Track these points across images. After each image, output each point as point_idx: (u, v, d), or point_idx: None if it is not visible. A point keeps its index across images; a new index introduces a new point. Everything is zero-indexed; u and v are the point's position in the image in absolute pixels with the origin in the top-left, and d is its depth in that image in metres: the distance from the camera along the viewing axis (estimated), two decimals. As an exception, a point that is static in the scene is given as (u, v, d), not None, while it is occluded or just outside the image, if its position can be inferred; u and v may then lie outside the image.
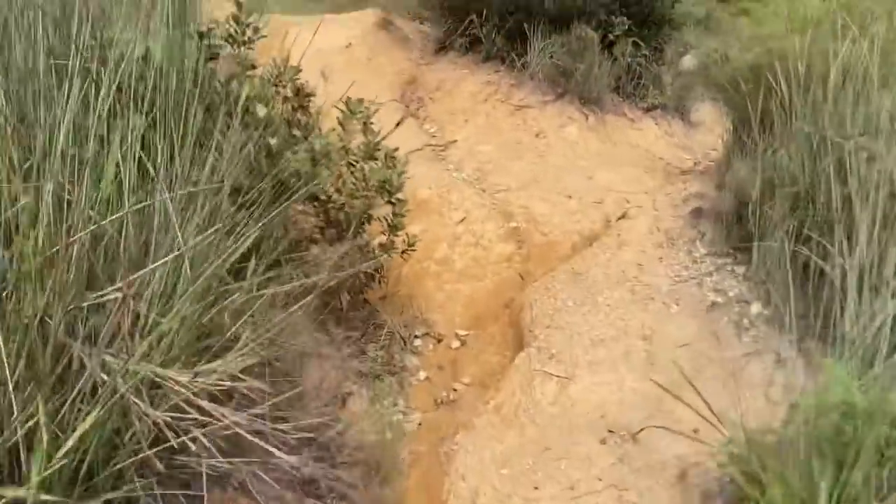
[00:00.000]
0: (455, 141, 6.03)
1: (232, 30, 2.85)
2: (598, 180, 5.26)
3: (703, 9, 10.84)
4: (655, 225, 4.19)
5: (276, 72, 3.10)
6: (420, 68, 7.82)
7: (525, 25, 6.97)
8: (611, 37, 6.98)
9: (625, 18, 6.88)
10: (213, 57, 2.52)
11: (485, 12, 7.31)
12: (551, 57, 6.82)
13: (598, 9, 6.92)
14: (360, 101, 3.48)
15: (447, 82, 7.32)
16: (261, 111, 2.20)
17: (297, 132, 2.98)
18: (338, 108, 3.49)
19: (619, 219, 4.58)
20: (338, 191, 3.40)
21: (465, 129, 6.29)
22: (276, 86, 3.05)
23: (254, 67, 3.00)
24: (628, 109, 6.93)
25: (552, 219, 4.70)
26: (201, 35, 2.43)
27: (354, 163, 3.40)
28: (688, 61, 10.01)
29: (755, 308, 3.05)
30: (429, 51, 8.21)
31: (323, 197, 3.32)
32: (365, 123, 3.44)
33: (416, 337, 3.86)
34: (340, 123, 3.50)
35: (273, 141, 2.43)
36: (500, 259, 4.47)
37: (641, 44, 7.21)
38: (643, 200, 4.70)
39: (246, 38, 2.95)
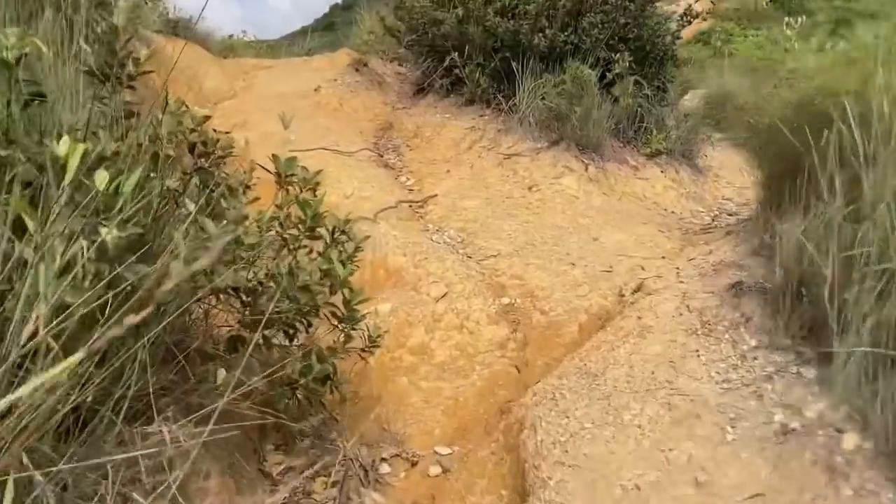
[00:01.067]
0: (435, 196, 5.19)
1: (97, 59, 1.95)
2: (605, 242, 4.42)
3: (685, 51, 10.26)
4: (684, 303, 3.32)
5: (173, 122, 2.19)
6: (397, 113, 7.03)
7: (513, 64, 6.20)
8: (609, 75, 6.21)
9: (626, 54, 6.12)
10: (34, 98, 1.63)
11: (466, 49, 6.54)
12: (543, 99, 6.04)
13: (596, 45, 6.16)
14: (292, 160, 2.61)
15: (426, 128, 6.52)
16: (100, 180, 1.31)
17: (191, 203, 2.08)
18: (261, 166, 2.63)
19: (635, 292, 3.72)
20: (271, 277, 2.51)
21: (447, 182, 5.46)
22: (172, 140, 2.15)
23: (132, 116, 2.11)
24: (631, 156, 6.13)
25: (553, 293, 3.84)
26: (7, 65, 1.51)
27: (291, 243, 2.53)
28: (690, 100, 9.29)
29: (851, 440, 2.18)
30: (406, 94, 7.43)
31: (250, 285, 2.44)
32: (302, 189, 2.57)
33: (382, 460, 2.95)
34: (279, 182, 2.64)
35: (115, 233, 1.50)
36: (490, 346, 3.59)
37: (643, 82, 6.45)
38: (662, 268, 3.85)
39: (123, 74, 2.03)
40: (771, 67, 12.45)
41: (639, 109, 6.39)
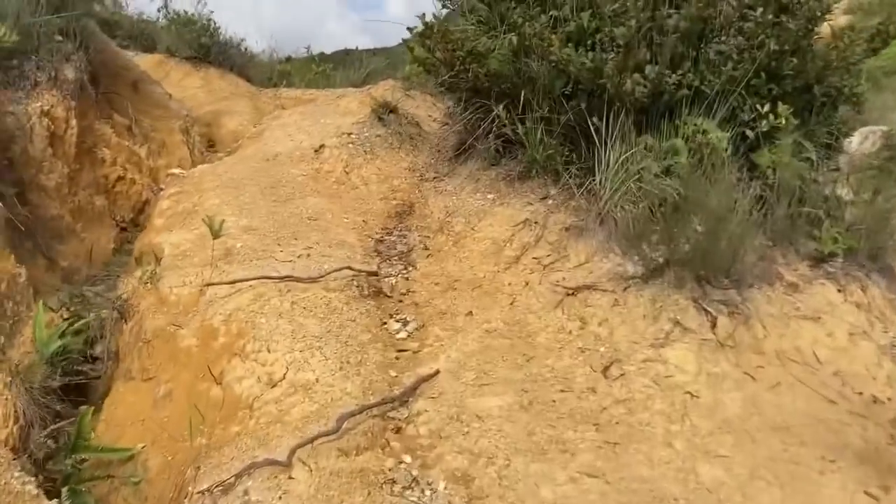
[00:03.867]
0: (434, 373, 2.92)
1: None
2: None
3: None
4: None
5: None
6: (423, 187, 4.78)
7: (592, 119, 3.86)
8: (752, 135, 3.80)
9: (779, 103, 3.68)
10: None
11: (523, 95, 4.23)
12: (639, 179, 3.67)
13: (729, 88, 3.73)
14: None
15: (459, 216, 4.25)
16: None
17: None
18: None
19: None
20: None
21: (464, 338, 3.18)
22: None
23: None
24: (785, 264, 3.62)
25: None
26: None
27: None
28: (860, 144, 6.41)
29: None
30: (444, 153, 5.16)
31: None
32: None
33: None
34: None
35: None
36: None
37: (807, 144, 3.99)
38: None
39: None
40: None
41: (799, 186, 3.89)
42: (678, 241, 3.20)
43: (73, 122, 4.80)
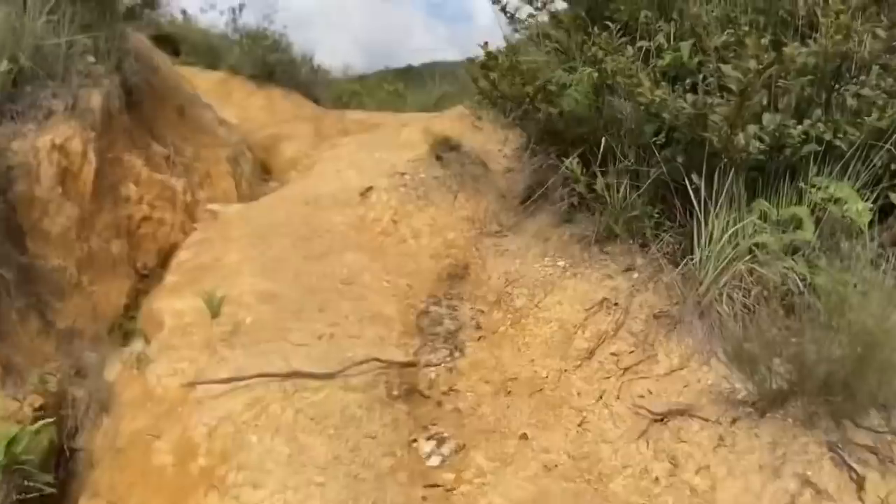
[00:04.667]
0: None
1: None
2: None
3: None
4: None
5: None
6: (482, 243, 4.04)
7: (692, 176, 3.06)
8: (900, 205, 2.96)
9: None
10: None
11: (604, 143, 3.46)
12: (753, 259, 2.86)
13: (871, 139, 2.88)
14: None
15: (522, 286, 3.50)
16: None
17: None
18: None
19: None
20: None
21: (513, 474, 2.44)
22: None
23: None
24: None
25: None
26: None
27: None
28: None
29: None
30: (510, 201, 4.41)
31: None
32: None
33: None
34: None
35: None
36: None
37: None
38: None
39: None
40: None
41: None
42: (807, 356, 2.35)
43: (92, 156, 4.25)
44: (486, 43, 3.84)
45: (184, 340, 3.07)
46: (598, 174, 3.48)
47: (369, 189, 4.59)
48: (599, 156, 3.51)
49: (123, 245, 4.42)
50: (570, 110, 3.58)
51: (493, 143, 5.59)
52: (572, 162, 3.41)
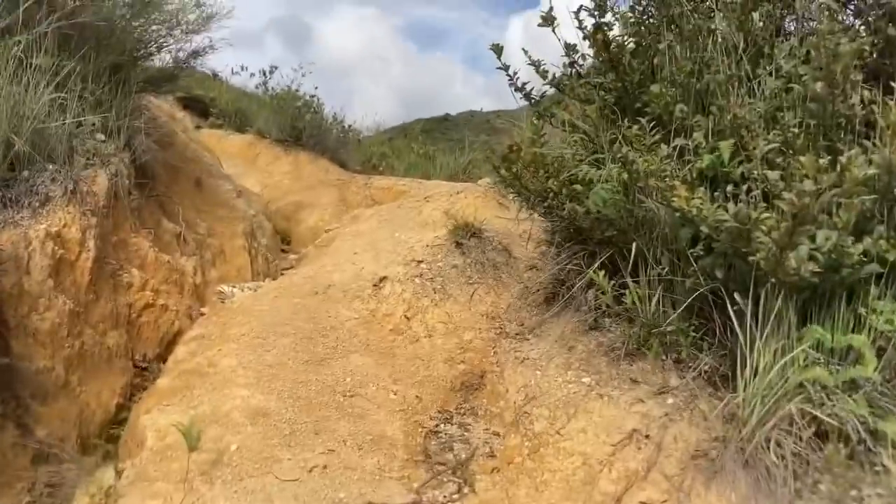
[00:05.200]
0: None
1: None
2: None
3: None
4: None
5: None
6: (501, 346, 3.70)
7: (735, 296, 2.70)
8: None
9: None
10: None
11: (634, 248, 3.13)
12: (805, 399, 2.47)
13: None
14: None
15: (541, 406, 3.15)
16: None
17: None
18: None
19: None
20: None
21: None
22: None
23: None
24: None
25: None
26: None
27: None
28: None
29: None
30: (534, 295, 4.08)
31: None
32: None
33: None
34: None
35: None
36: None
37: None
38: None
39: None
40: None
41: None
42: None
43: (92, 243, 4.04)
44: (510, 134, 3.55)
45: (161, 469, 2.75)
46: (629, 283, 3.14)
47: (383, 279, 4.29)
48: (630, 261, 3.17)
49: (121, 336, 4.17)
50: (598, 210, 3.25)
51: (518, 225, 5.28)
52: (598, 272, 3.06)
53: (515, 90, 3.90)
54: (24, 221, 3.76)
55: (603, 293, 3.10)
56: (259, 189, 7.93)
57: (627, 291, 3.09)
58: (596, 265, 3.25)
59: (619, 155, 3.05)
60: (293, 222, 7.68)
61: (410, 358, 3.72)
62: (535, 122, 4.11)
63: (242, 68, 11.02)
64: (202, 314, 4.76)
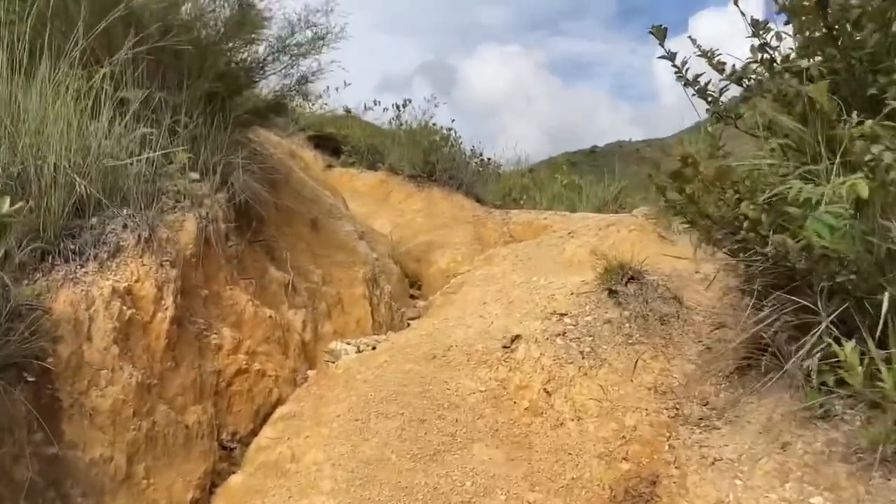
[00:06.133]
0: None
1: None
2: None
3: None
4: None
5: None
6: (679, 437, 2.68)
7: None
8: None
9: None
10: None
11: (887, 299, 2.02)
12: None
13: None
14: None
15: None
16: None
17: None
18: None
19: None
20: None
21: None
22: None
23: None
24: None
25: None
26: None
27: None
28: None
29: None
30: (720, 362, 3.02)
31: None
32: None
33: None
34: None
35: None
36: None
37: None
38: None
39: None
40: None
41: None
42: None
43: (170, 300, 3.40)
44: (680, 143, 2.55)
45: None
46: (873, 352, 2.06)
47: (516, 338, 3.37)
48: (881, 317, 2.09)
49: (205, 410, 3.49)
50: (820, 248, 2.19)
51: (688, 261, 4.22)
52: (837, 340, 2.00)
53: (685, 85, 2.89)
54: (87, 277, 3.16)
55: (849, 371, 2.03)
56: (389, 229, 7.28)
57: (885, 376, 2.00)
58: (823, 326, 2.18)
59: (865, 158, 1.99)
60: (424, 264, 6.94)
61: (552, 450, 2.76)
62: (711, 127, 3.10)
63: (375, 103, 10.58)
64: (307, 379, 4.03)
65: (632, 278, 3.56)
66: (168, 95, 4.14)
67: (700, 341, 3.30)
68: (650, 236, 4.58)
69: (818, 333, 2.26)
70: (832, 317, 2.22)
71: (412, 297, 6.42)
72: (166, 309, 3.40)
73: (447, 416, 2.93)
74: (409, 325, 5.45)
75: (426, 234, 7.41)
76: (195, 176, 4.14)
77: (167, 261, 3.51)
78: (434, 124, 9.44)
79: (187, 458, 3.26)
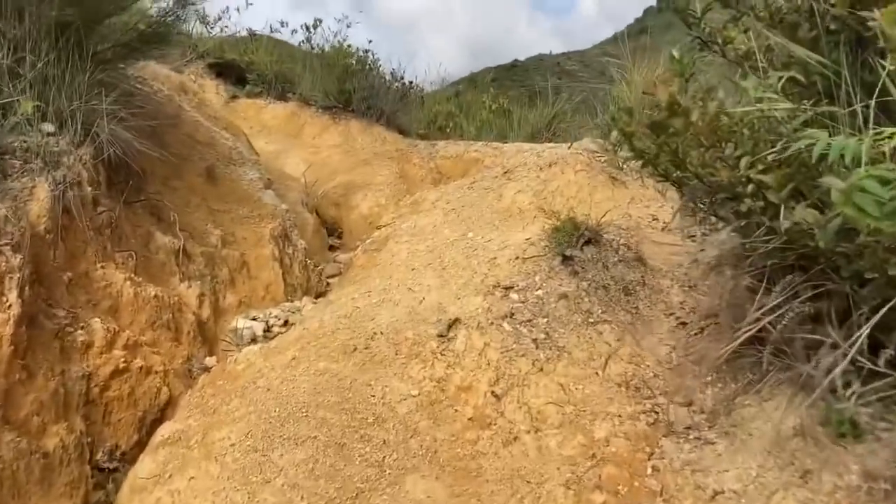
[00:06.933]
0: None
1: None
2: None
3: None
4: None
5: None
6: (663, 453, 2.13)
7: None
8: None
9: None
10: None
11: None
12: None
13: None
14: None
15: None
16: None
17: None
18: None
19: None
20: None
21: None
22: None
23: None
24: None
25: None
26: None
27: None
28: None
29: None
30: (706, 344, 2.47)
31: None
32: None
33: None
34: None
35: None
36: None
37: None
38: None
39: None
40: None
41: None
42: None
43: (13, 295, 2.66)
44: (665, 83, 1.91)
45: None
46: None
47: (455, 323, 2.77)
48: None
49: (72, 429, 2.79)
50: (866, 222, 1.62)
51: (648, 204, 3.69)
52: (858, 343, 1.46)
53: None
54: None
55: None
56: (303, 168, 6.48)
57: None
58: (865, 327, 1.64)
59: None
60: (344, 209, 6.22)
61: (506, 477, 2.19)
62: (682, 55, 2.46)
63: (282, 24, 9.52)
64: (204, 369, 3.37)
65: (588, 241, 2.98)
66: (5, 26, 3.27)
67: (672, 313, 2.77)
68: (599, 178, 4.02)
69: (859, 332, 1.72)
70: (882, 312, 1.67)
71: (332, 247, 5.74)
72: (9, 307, 2.66)
73: (373, 437, 2.33)
74: (328, 284, 4.79)
75: (345, 174, 6.66)
76: (50, 128, 3.33)
77: (7, 244, 2.74)
78: (349, 45, 8.53)
79: (47, 495, 2.58)
